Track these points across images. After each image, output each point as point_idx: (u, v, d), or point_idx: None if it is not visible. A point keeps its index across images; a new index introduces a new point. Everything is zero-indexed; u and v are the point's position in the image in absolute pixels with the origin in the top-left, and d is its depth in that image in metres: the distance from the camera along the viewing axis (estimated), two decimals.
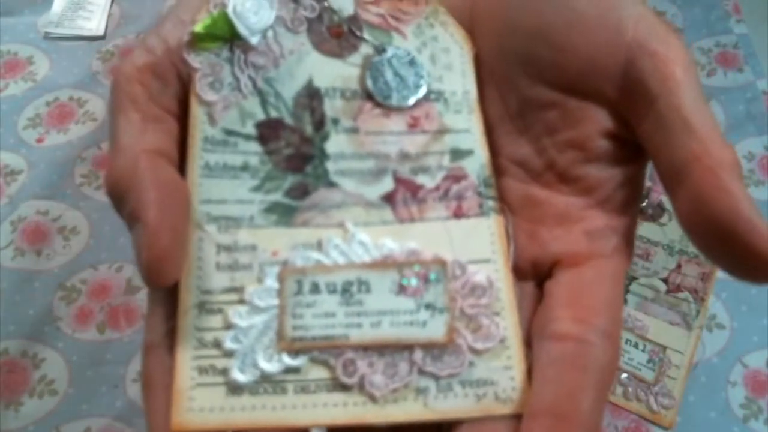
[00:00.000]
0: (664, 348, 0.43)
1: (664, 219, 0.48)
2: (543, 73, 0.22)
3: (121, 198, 0.20)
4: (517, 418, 0.19)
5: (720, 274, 0.46)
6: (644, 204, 0.48)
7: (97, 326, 0.45)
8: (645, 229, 0.48)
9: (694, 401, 0.42)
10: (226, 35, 0.23)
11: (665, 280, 0.46)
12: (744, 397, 0.42)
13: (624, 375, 0.43)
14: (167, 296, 0.21)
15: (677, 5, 0.59)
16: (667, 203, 0.48)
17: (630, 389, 0.42)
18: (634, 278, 0.46)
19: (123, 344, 0.45)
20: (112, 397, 0.43)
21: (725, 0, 0.59)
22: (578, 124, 0.22)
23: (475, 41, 0.24)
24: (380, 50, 0.24)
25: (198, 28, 0.22)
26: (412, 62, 0.24)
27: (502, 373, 0.20)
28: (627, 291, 0.45)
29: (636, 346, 0.43)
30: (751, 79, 0.54)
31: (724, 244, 0.18)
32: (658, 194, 0.49)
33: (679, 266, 0.46)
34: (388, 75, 0.24)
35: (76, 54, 0.58)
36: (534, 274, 0.22)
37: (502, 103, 0.24)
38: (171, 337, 0.20)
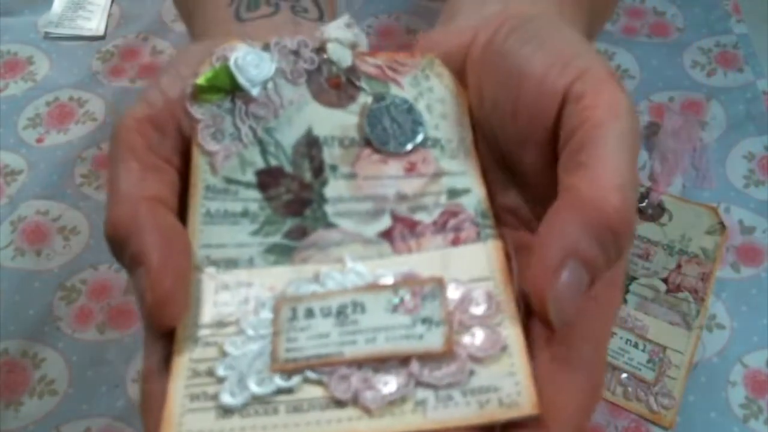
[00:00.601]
0: (664, 348, 0.43)
1: (664, 219, 0.48)
2: (511, 125, 0.23)
3: (121, 244, 0.20)
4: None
5: (720, 274, 0.46)
6: (644, 204, 0.48)
7: (97, 326, 0.45)
8: (645, 229, 0.48)
9: (694, 401, 0.42)
10: (227, 87, 0.23)
11: (665, 280, 0.46)
12: (744, 397, 0.42)
13: (624, 375, 0.43)
14: None
15: (677, 5, 0.59)
16: (667, 203, 0.48)
17: (630, 389, 0.42)
18: (634, 278, 0.46)
19: (123, 344, 0.45)
20: (112, 397, 0.43)
21: (725, 0, 0.59)
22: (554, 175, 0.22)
23: (467, 90, 0.25)
24: (378, 98, 0.24)
25: (200, 80, 0.23)
26: (409, 110, 0.24)
27: (506, 379, 0.19)
28: (627, 291, 0.45)
29: (636, 346, 0.43)
30: (751, 79, 0.54)
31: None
32: (658, 194, 0.49)
33: (679, 266, 0.46)
34: (386, 122, 0.24)
35: (76, 54, 0.58)
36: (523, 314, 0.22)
37: (490, 153, 0.25)
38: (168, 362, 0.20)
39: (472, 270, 0.21)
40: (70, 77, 0.57)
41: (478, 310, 0.20)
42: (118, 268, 0.48)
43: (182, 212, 0.23)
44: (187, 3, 0.33)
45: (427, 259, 0.22)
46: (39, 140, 0.53)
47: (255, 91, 0.24)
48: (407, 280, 0.21)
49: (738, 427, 0.41)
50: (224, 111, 0.23)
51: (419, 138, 0.24)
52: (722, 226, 0.47)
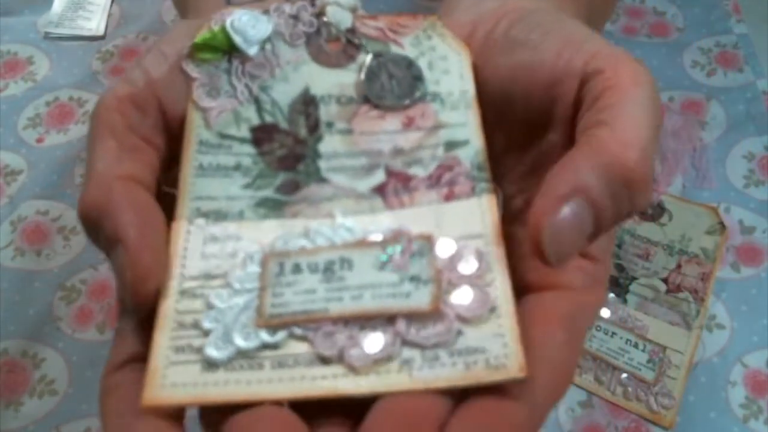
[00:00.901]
0: (664, 348, 0.43)
1: (664, 219, 0.48)
2: (514, 121, 0.23)
3: (96, 223, 0.20)
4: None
5: (720, 274, 0.46)
6: None
7: (97, 326, 0.45)
8: (645, 229, 0.48)
9: (694, 401, 0.42)
10: (224, 47, 0.23)
11: (665, 280, 0.46)
12: (744, 397, 0.42)
13: (624, 375, 0.43)
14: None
15: (677, 5, 0.59)
16: (667, 203, 0.48)
17: (630, 389, 0.42)
18: (634, 278, 0.46)
19: None
20: None
21: (725, 0, 0.59)
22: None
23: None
24: (377, 55, 0.24)
25: (197, 39, 0.23)
26: (409, 65, 0.24)
27: (494, 340, 0.19)
28: (627, 291, 0.45)
29: (636, 346, 0.43)
30: (751, 79, 0.54)
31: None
32: (658, 194, 0.49)
33: (679, 266, 0.46)
34: (384, 77, 0.24)
35: (76, 54, 0.58)
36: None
37: (488, 142, 0.24)
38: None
39: (463, 226, 0.21)
40: (70, 77, 0.57)
41: (468, 268, 0.20)
42: None
43: (161, 193, 0.23)
44: None
45: (418, 215, 0.21)
46: (39, 140, 0.53)
47: (252, 51, 0.23)
48: (396, 237, 0.21)
49: (738, 427, 0.41)
50: (221, 70, 0.23)
51: (418, 93, 0.24)
52: (722, 226, 0.47)
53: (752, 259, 0.47)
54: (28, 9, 0.61)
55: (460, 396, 0.19)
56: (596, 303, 0.22)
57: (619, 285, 0.46)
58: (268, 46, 0.24)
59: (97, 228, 0.20)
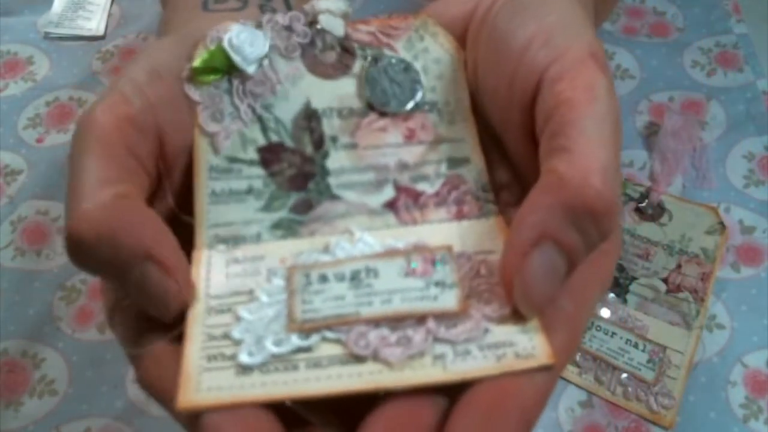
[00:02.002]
0: (664, 348, 0.43)
1: (664, 219, 0.48)
2: (494, 110, 0.23)
3: (104, 242, 0.19)
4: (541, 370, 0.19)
5: (720, 274, 0.46)
6: (644, 204, 0.48)
7: (97, 326, 0.45)
8: (645, 229, 0.48)
9: (694, 401, 0.42)
10: (223, 67, 0.24)
11: (665, 280, 0.46)
12: (744, 397, 0.42)
13: (624, 375, 0.43)
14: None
15: (677, 5, 0.59)
16: (667, 203, 0.48)
17: (630, 389, 0.42)
18: (634, 278, 0.46)
19: None
20: (112, 397, 0.43)
21: (725, 0, 0.59)
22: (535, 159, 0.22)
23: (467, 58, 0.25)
24: (375, 60, 0.25)
25: (196, 63, 0.23)
26: (407, 68, 0.24)
27: (520, 335, 0.19)
28: (627, 291, 0.45)
29: (636, 346, 0.43)
30: (751, 79, 0.54)
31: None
32: (658, 194, 0.49)
33: (679, 266, 0.46)
34: (385, 82, 0.24)
35: (76, 54, 0.58)
36: None
37: (484, 128, 0.24)
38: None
39: (477, 243, 0.22)
40: (70, 77, 0.57)
41: (489, 278, 0.21)
42: None
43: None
44: None
45: (433, 230, 0.22)
46: (39, 140, 0.53)
47: (251, 69, 0.24)
48: (418, 248, 0.21)
49: (738, 427, 0.41)
50: (222, 91, 0.24)
51: (419, 95, 0.24)
52: (722, 226, 0.47)
53: (752, 259, 0.47)
54: (28, 9, 0.61)
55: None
56: (604, 273, 0.21)
57: (619, 285, 0.46)
58: (265, 62, 0.24)
59: (106, 247, 0.19)
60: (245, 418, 0.18)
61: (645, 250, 0.47)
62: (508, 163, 0.24)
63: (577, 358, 0.43)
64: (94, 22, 0.60)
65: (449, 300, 0.20)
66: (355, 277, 0.20)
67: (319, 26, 0.25)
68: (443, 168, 0.23)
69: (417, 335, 0.19)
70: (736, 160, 0.51)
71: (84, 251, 0.19)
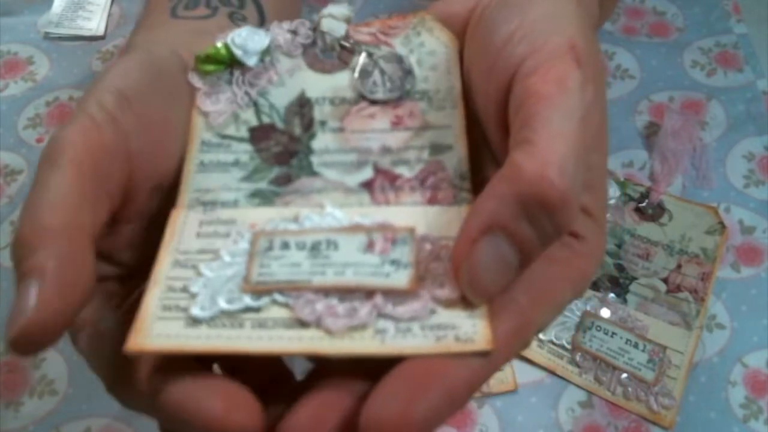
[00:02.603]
0: (664, 348, 0.43)
1: (664, 219, 0.48)
2: (479, 106, 0.23)
3: (28, 249, 0.19)
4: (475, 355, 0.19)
5: (720, 274, 0.46)
6: (644, 204, 0.48)
7: None
8: (645, 229, 0.48)
9: (694, 401, 0.42)
10: (225, 60, 0.25)
11: (665, 280, 0.46)
12: (744, 397, 0.42)
13: (624, 375, 0.43)
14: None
15: (677, 5, 0.59)
16: (667, 203, 0.48)
17: (630, 389, 0.42)
18: (634, 278, 0.46)
19: None
20: (112, 397, 0.43)
21: (725, 0, 0.59)
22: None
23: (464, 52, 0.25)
24: (369, 54, 0.26)
25: (201, 53, 0.25)
26: (399, 60, 0.25)
27: (464, 320, 0.20)
28: (627, 291, 0.45)
29: (636, 346, 0.43)
30: (751, 79, 0.54)
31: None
32: (658, 194, 0.49)
33: (679, 266, 0.46)
34: (376, 74, 0.25)
35: (76, 54, 0.58)
36: None
37: (478, 126, 0.24)
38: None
39: (443, 229, 0.22)
40: (70, 77, 0.57)
41: (448, 263, 0.21)
42: None
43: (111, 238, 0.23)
44: None
45: (402, 212, 0.22)
46: (39, 140, 0.53)
47: (252, 61, 0.25)
48: (381, 227, 0.22)
49: (738, 427, 0.41)
50: (223, 81, 0.25)
51: (408, 85, 0.25)
52: (722, 226, 0.47)
53: (752, 259, 0.47)
54: (28, 9, 0.61)
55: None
56: (576, 274, 0.21)
57: (619, 285, 0.46)
58: (267, 58, 0.25)
59: (27, 252, 0.19)
60: (220, 387, 0.19)
61: (645, 250, 0.47)
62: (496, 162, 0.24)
63: (577, 357, 0.43)
64: (94, 22, 0.60)
65: (401, 278, 0.20)
66: (315, 248, 0.21)
67: (320, 28, 0.26)
68: (425, 154, 0.24)
69: (363, 308, 0.20)
70: (736, 160, 0.51)
71: (14, 253, 0.20)
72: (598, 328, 0.44)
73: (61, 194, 0.20)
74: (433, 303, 0.20)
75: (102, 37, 0.60)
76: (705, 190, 0.49)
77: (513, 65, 0.21)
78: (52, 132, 0.53)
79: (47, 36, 0.59)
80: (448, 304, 0.20)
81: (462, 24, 0.25)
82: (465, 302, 0.20)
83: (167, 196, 0.24)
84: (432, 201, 0.23)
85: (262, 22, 0.31)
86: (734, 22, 0.58)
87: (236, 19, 0.30)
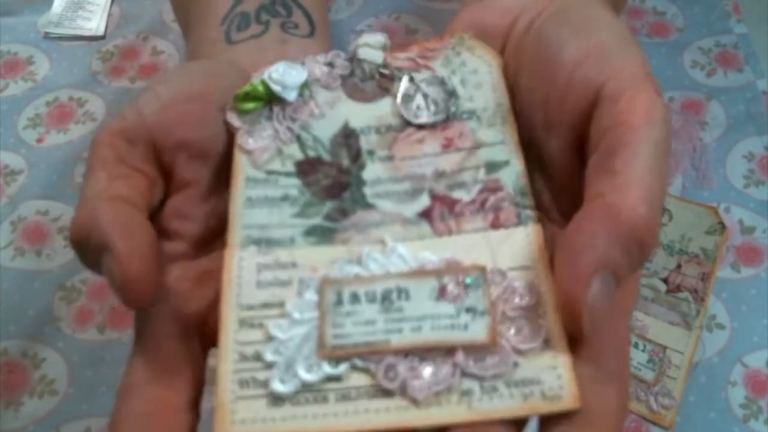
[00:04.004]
0: (664, 348, 0.43)
1: (664, 219, 0.48)
2: (538, 119, 0.23)
3: (85, 241, 0.21)
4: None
5: (720, 274, 0.46)
6: None
7: (97, 326, 0.45)
8: None
9: (694, 401, 0.42)
10: (264, 97, 0.24)
11: (665, 280, 0.46)
12: (744, 397, 0.42)
13: None
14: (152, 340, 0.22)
15: (677, 5, 0.59)
16: (668, 203, 0.48)
17: (630, 389, 0.42)
18: None
19: (123, 344, 0.45)
20: (112, 397, 0.42)
21: (725, 0, 0.59)
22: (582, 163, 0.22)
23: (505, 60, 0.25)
24: (410, 79, 0.25)
25: (239, 92, 0.24)
26: (441, 82, 0.25)
27: (548, 372, 0.19)
28: None
29: (636, 346, 0.43)
30: (751, 79, 0.54)
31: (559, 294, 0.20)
32: None
33: (679, 266, 0.46)
34: (419, 98, 0.25)
35: (76, 54, 0.58)
36: None
37: (519, 136, 0.25)
38: (155, 379, 0.21)
39: (513, 257, 0.21)
40: (70, 77, 0.57)
41: (521, 301, 0.20)
42: None
43: (155, 213, 0.24)
44: (186, 15, 0.34)
45: (467, 243, 0.22)
46: (39, 140, 0.53)
47: (291, 96, 0.24)
48: (450, 268, 0.21)
49: (738, 427, 0.41)
50: (263, 118, 0.24)
51: (453, 108, 0.24)
52: (722, 226, 0.47)
53: (752, 259, 0.47)
54: (28, 9, 0.61)
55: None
56: (630, 307, 0.22)
57: None
58: (306, 92, 0.25)
59: (86, 244, 0.21)
60: None
61: None
62: (540, 174, 0.24)
63: None
64: (94, 22, 0.60)
65: (479, 330, 0.20)
66: (386, 298, 0.20)
67: (358, 56, 0.25)
68: (481, 173, 0.23)
69: (445, 368, 0.19)
70: (736, 160, 0.51)
71: (79, 257, 0.22)
72: None
73: (95, 188, 0.22)
74: (514, 354, 0.20)
75: (102, 37, 0.60)
76: (705, 190, 0.49)
77: (592, 87, 0.21)
78: (52, 132, 0.54)
79: (47, 36, 0.59)
80: (529, 353, 0.20)
81: (501, 36, 0.25)
82: (546, 350, 0.20)
83: (218, 166, 0.24)
84: (495, 224, 0.22)
85: (311, 28, 0.31)
86: (734, 22, 0.57)
87: (288, 28, 0.30)
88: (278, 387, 0.20)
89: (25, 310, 0.46)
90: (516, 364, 0.20)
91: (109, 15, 0.61)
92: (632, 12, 0.59)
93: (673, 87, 0.54)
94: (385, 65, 0.25)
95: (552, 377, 0.19)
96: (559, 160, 0.23)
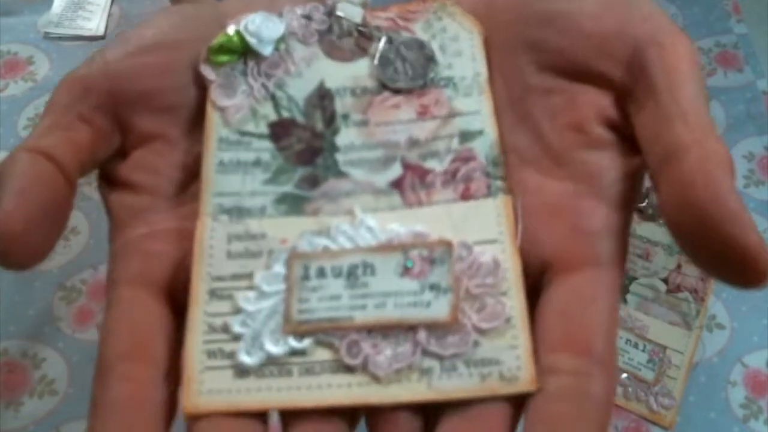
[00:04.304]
0: (664, 348, 0.43)
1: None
2: (550, 59, 0.23)
3: None
4: (516, 400, 0.19)
5: None
6: (644, 204, 0.48)
7: (97, 326, 0.45)
8: (645, 229, 0.48)
9: (694, 401, 0.42)
10: (239, 49, 0.24)
11: (665, 280, 0.46)
12: (744, 397, 0.42)
13: (624, 375, 0.43)
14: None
15: (677, 5, 0.59)
16: None
17: (630, 389, 0.42)
18: (634, 278, 0.46)
19: None
20: None
21: (725, 0, 0.59)
22: (579, 108, 0.22)
23: (487, 33, 0.25)
24: (389, 40, 0.25)
25: (212, 44, 0.24)
26: (420, 46, 0.25)
27: (508, 352, 0.20)
28: (627, 291, 0.45)
29: (636, 346, 0.43)
30: (751, 79, 0.54)
31: (706, 236, 0.17)
32: None
33: (679, 266, 0.46)
34: (397, 62, 0.24)
35: (76, 54, 0.58)
36: (525, 273, 0.21)
37: (506, 91, 0.24)
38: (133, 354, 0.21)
39: (480, 230, 0.22)
40: None
41: (485, 278, 0.21)
42: None
43: (82, 169, 0.23)
44: None
45: (436, 215, 0.22)
46: None
47: (266, 51, 0.24)
48: (416, 242, 0.21)
49: (738, 427, 0.41)
50: (237, 72, 0.24)
51: (431, 74, 0.24)
52: None
53: None
54: (28, 9, 0.61)
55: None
56: (622, 275, 0.21)
57: None
58: (282, 46, 0.24)
59: None
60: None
61: (645, 250, 0.47)
62: (526, 126, 0.23)
63: None
64: (94, 22, 0.60)
65: (441, 308, 0.20)
66: (352, 274, 0.21)
67: (337, 13, 0.25)
68: (455, 143, 0.23)
69: (406, 346, 0.20)
70: (736, 160, 0.51)
71: None
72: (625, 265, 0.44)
73: (31, 135, 0.22)
74: (474, 333, 0.20)
75: (102, 37, 0.60)
76: None
77: (630, 36, 0.21)
78: None
79: (47, 36, 0.59)
80: (490, 332, 0.20)
81: (480, 6, 0.25)
82: (507, 329, 0.20)
83: (190, 119, 0.24)
84: (465, 195, 0.22)
85: None
86: (734, 22, 0.58)
87: None
88: (245, 359, 0.20)
89: (25, 310, 0.46)
90: (477, 343, 0.20)
91: (109, 15, 0.61)
92: None
93: None
94: (364, 23, 0.25)
95: (511, 357, 0.19)
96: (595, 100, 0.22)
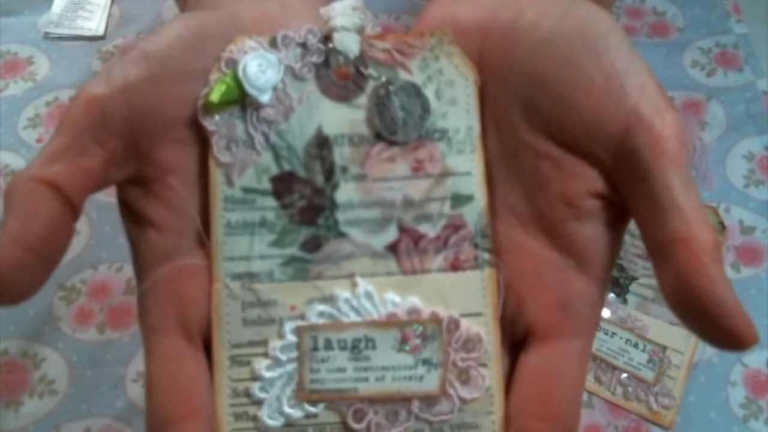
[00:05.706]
0: (664, 348, 0.43)
1: None
2: (542, 124, 0.23)
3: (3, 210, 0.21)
4: None
5: None
6: None
7: (97, 326, 0.45)
8: None
9: (694, 401, 0.42)
10: (237, 98, 0.24)
11: None
12: (744, 397, 0.42)
13: (624, 375, 0.43)
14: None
15: (677, 5, 0.59)
16: None
17: (630, 389, 0.42)
18: (634, 278, 0.46)
19: (123, 344, 0.45)
20: (112, 397, 0.43)
21: (725, 0, 0.59)
22: (570, 180, 0.23)
23: (482, 73, 0.25)
24: (387, 84, 0.25)
25: (213, 96, 0.23)
26: (418, 94, 0.25)
27: (485, 417, 0.23)
28: (627, 291, 0.45)
29: (636, 346, 0.43)
30: (751, 79, 0.54)
31: (702, 323, 0.21)
32: None
33: None
34: (395, 110, 0.25)
35: (76, 54, 0.58)
36: (510, 331, 0.24)
37: (499, 142, 0.24)
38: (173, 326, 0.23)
39: (467, 303, 0.24)
40: (70, 77, 0.57)
41: (470, 353, 0.23)
42: (118, 267, 0.48)
43: (83, 196, 0.23)
44: None
45: (428, 285, 0.24)
46: (39, 140, 0.53)
47: (265, 99, 0.24)
48: (411, 319, 0.24)
49: (738, 427, 0.41)
50: (236, 118, 0.24)
51: (427, 125, 0.25)
52: (722, 226, 0.47)
53: (752, 259, 0.47)
54: (28, 9, 0.61)
55: None
56: (592, 341, 0.23)
57: (619, 285, 0.46)
58: (279, 86, 0.25)
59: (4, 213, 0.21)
60: None
61: (645, 250, 0.47)
62: (519, 183, 0.24)
63: None
64: (94, 22, 0.60)
65: (432, 382, 0.23)
66: (355, 347, 0.24)
67: (332, 44, 0.25)
68: (446, 207, 0.24)
69: (403, 413, 0.23)
70: (736, 160, 0.51)
71: None
72: (598, 328, 0.44)
73: (42, 155, 0.22)
74: (459, 403, 0.23)
75: (102, 37, 0.60)
76: (705, 190, 0.49)
77: (625, 112, 0.22)
78: (52, 132, 0.54)
79: (47, 36, 0.60)
80: (472, 402, 0.23)
81: (478, 32, 0.24)
82: (485, 396, 0.23)
83: (201, 152, 0.24)
84: (455, 265, 0.24)
85: None
86: (734, 22, 0.58)
87: None
88: (268, 422, 0.23)
89: (25, 310, 0.46)
90: (460, 410, 0.23)
91: (109, 15, 0.61)
92: (632, 12, 0.59)
93: (673, 87, 0.54)
94: (361, 56, 0.25)
95: (487, 422, 0.23)
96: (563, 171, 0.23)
